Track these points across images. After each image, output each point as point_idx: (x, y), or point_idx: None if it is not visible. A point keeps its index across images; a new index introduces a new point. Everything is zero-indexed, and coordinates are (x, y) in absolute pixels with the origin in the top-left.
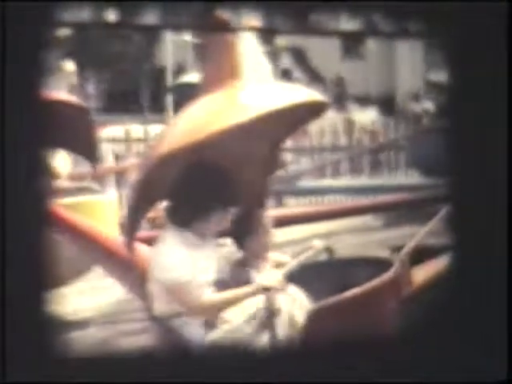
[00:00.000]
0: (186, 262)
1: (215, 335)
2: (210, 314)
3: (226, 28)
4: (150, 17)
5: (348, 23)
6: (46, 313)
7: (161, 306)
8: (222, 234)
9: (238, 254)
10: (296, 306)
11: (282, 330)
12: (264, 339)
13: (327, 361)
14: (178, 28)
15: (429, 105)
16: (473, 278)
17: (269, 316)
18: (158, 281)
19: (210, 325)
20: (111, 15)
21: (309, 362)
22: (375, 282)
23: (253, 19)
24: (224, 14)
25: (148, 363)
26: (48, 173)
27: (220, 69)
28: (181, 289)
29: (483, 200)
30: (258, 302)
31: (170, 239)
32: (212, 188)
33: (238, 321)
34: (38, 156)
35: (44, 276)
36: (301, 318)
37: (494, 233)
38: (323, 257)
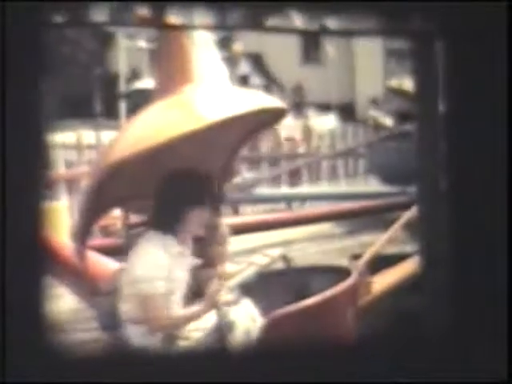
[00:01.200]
0: (163, 271)
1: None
2: (170, 330)
3: (175, 28)
4: (97, 17)
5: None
6: (46, 313)
7: (127, 310)
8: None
9: (195, 262)
10: (249, 318)
11: (237, 340)
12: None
13: (284, 368)
14: (124, 25)
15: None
16: (473, 277)
17: (224, 329)
18: (132, 287)
19: (168, 340)
20: (58, 16)
21: (265, 369)
22: (333, 290)
23: (205, 20)
24: (173, 15)
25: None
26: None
27: (173, 74)
28: (151, 301)
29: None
30: (212, 316)
31: (151, 245)
32: (189, 189)
33: (196, 336)
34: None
35: (44, 276)
36: (255, 328)
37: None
38: (280, 265)
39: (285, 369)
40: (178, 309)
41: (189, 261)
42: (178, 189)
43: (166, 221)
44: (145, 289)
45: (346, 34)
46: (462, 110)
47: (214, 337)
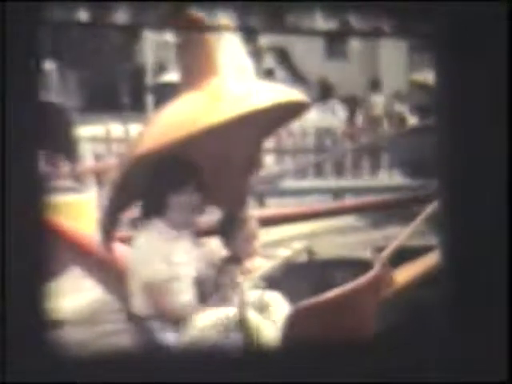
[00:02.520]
0: (161, 254)
1: (182, 339)
2: (183, 318)
3: (198, 27)
4: (122, 16)
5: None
6: (46, 312)
7: (139, 305)
8: (207, 233)
9: (221, 254)
10: (272, 314)
11: (254, 335)
12: (236, 343)
13: (306, 362)
14: (149, 27)
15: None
16: (473, 277)
17: (240, 323)
18: (136, 277)
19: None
20: (82, 14)
21: (287, 363)
22: (355, 283)
23: (227, 19)
24: (197, 13)
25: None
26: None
27: (199, 68)
28: (157, 288)
29: (474, 200)
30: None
31: (144, 233)
32: (170, 174)
33: (206, 326)
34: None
35: (45, 274)
36: (277, 324)
37: (491, 233)
38: (303, 258)
39: (306, 361)
40: (187, 296)
41: (191, 246)
42: (160, 175)
43: (151, 207)
44: (145, 274)
45: (368, 34)
46: (462, 111)
47: (225, 328)
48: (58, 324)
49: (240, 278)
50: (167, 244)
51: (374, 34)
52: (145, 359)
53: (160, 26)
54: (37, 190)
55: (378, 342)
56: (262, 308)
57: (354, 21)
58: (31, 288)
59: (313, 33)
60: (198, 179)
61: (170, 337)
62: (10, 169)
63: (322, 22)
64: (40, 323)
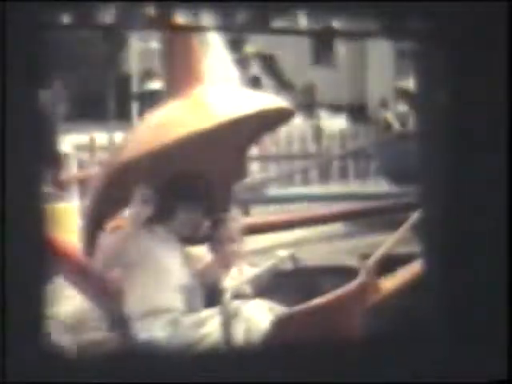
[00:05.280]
0: (137, 244)
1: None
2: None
3: (183, 28)
4: (107, 18)
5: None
6: (46, 313)
7: (132, 303)
8: (192, 241)
9: (205, 261)
10: (259, 313)
11: (240, 334)
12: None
13: (290, 368)
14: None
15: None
16: (473, 277)
17: (225, 319)
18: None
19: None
20: (66, 17)
21: (270, 368)
22: (341, 290)
23: (213, 22)
24: (182, 16)
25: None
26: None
27: (184, 76)
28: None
29: (460, 206)
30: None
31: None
32: (177, 186)
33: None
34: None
35: (45, 276)
36: (263, 325)
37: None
38: (289, 265)
39: (291, 367)
40: (173, 295)
41: (181, 253)
42: (169, 186)
43: (156, 214)
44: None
45: (351, 35)
46: (462, 110)
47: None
48: (60, 325)
49: (225, 284)
50: (153, 242)
51: (361, 35)
52: (131, 362)
53: (145, 28)
54: (35, 193)
55: (365, 349)
56: (240, 320)
57: (340, 23)
58: (31, 289)
59: (299, 33)
60: (203, 193)
61: (158, 337)
62: (9, 171)
63: (307, 24)
64: (40, 324)
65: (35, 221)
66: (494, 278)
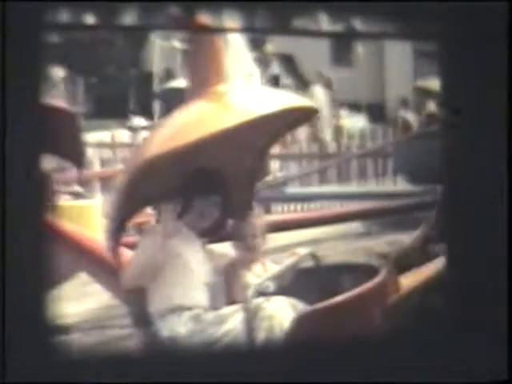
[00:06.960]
0: (160, 242)
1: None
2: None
3: (206, 30)
4: (129, 19)
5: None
6: (46, 314)
7: (156, 302)
8: (215, 240)
9: (228, 258)
10: (281, 311)
11: (262, 331)
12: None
13: (311, 365)
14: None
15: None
16: (473, 278)
17: (248, 316)
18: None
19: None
20: (89, 18)
21: (292, 365)
22: (361, 288)
23: (235, 22)
24: (204, 17)
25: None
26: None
27: (206, 74)
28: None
29: (477, 205)
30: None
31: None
32: (194, 182)
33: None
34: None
35: (44, 277)
36: (285, 322)
37: (494, 238)
38: (309, 263)
39: (311, 365)
40: (198, 293)
41: (204, 251)
42: (188, 182)
43: (176, 209)
44: (144, 259)
45: (370, 36)
46: (463, 111)
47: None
48: (62, 329)
49: (247, 281)
50: (175, 240)
51: (379, 37)
52: (153, 360)
53: (168, 28)
54: (39, 194)
55: (384, 346)
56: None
57: (359, 24)
58: (31, 289)
59: (319, 34)
60: (220, 189)
61: (179, 333)
62: (12, 172)
63: (327, 25)
64: (40, 324)
65: (36, 219)
66: (493, 278)
